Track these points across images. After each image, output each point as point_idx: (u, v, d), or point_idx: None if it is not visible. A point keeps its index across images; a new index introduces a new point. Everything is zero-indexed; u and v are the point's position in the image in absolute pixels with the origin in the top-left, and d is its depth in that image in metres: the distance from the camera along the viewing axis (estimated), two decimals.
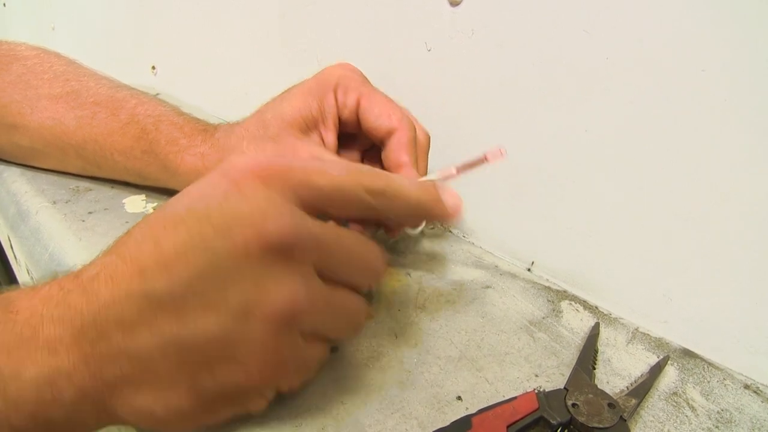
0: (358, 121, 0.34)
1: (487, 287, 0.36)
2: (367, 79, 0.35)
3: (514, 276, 0.37)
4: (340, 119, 0.34)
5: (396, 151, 0.32)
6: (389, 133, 0.32)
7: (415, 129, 0.33)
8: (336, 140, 0.34)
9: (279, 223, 0.20)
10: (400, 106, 0.34)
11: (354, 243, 0.22)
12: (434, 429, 0.23)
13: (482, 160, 0.30)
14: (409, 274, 0.36)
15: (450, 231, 0.43)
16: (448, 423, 0.23)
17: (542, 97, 0.34)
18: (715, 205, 0.29)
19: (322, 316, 0.21)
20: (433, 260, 0.39)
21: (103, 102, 0.40)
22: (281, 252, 0.20)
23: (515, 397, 0.24)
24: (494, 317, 0.32)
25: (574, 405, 0.24)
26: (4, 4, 1.27)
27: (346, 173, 0.22)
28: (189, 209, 0.20)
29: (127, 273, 0.19)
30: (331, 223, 0.22)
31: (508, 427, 0.22)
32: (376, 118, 0.33)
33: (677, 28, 0.28)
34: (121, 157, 0.39)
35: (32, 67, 0.43)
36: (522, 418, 0.23)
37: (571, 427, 0.23)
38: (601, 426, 0.23)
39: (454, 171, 0.30)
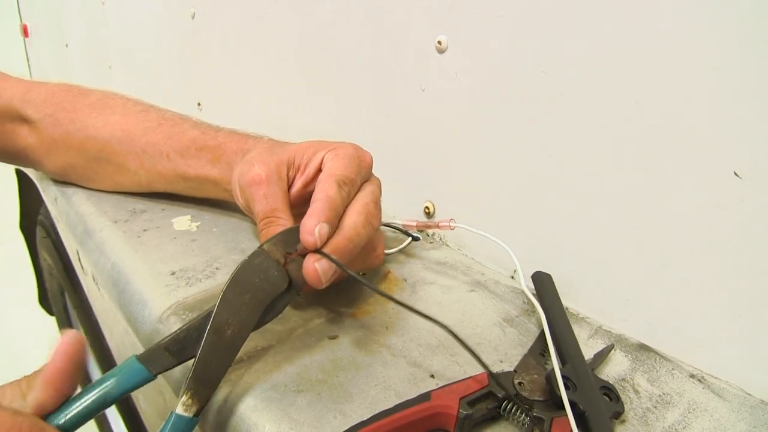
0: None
1: (472, 291, 0.42)
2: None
3: (497, 282, 0.43)
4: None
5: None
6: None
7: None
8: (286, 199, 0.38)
9: None
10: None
11: None
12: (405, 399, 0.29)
13: (436, 225, 0.44)
14: (406, 280, 0.43)
15: (447, 245, 0.49)
16: None
17: (511, 126, 0.40)
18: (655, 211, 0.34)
19: None
20: (429, 268, 0.45)
21: (168, 117, 0.50)
22: None
23: (471, 376, 0.30)
24: (473, 315, 0.38)
25: (520, 383, 0.30)
26: (66, 45, 1.42)
27: None
28: None
29: None
30: None
31: (460, 399, 0.28)
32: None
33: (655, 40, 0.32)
34: (176, 155, 0.47)
35: (103, 98, 0.52)
36: (472, 393, 0.28)
37: (517, 399, 0.29)
38: (541, 399, 0.29)
39: (414, 224, 0.45)
